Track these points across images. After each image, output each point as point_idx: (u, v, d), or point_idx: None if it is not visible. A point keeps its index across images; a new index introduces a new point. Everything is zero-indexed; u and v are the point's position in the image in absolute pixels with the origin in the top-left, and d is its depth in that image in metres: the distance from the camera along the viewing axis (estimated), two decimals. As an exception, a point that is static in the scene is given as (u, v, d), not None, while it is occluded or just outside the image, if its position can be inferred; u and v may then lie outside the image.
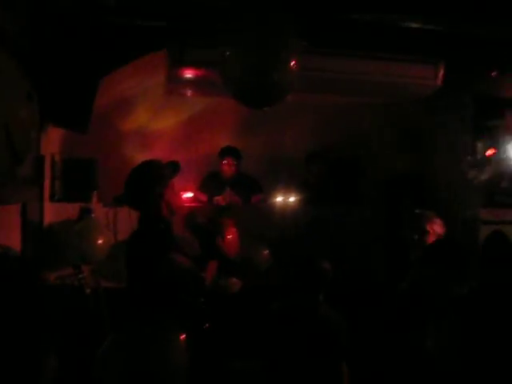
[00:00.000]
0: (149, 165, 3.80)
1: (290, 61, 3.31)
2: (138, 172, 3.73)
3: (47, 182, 4.99)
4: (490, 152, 6.42)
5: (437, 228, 4.24)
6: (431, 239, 4.16)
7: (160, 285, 3.37)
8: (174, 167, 3.86)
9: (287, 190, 5.91)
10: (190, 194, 5.70)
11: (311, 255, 4.10)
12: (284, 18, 3.48)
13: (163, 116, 6.29)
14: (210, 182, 6.18)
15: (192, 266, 3.69)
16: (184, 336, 2.88)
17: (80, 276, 4.77)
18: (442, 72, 5.11)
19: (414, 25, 4.26)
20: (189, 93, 5.49)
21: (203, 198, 6.03)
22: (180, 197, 5.02)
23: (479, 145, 6.21)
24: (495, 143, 6.31)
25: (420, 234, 4.21)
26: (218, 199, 6.00)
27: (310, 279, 3.90)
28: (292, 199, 5.84)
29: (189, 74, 4.79)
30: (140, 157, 5.24)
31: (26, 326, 1.86)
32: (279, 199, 5.82)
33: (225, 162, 6.11)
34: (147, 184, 3.62)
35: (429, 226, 4.22)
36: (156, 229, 3.64)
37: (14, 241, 4.23)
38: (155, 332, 2.80)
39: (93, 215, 4.98)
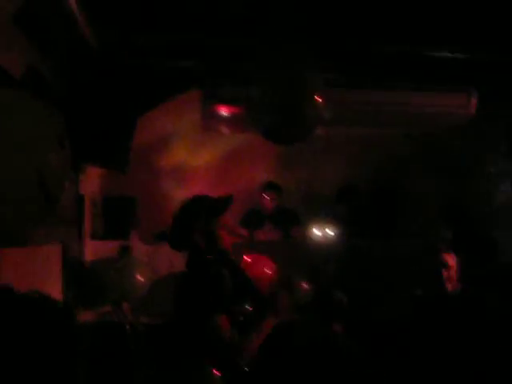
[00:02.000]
0: (199, 199, 3.41)
1: (314, 95, 3.34)
2: (188, 207, 3.33)
3: (88, 221, 5.08)
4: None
5: (451, 261, 4.11)
6: (453, 275, 4.06)
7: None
8: (226, 201, 3.38)
9: (324, 223, 5.90)
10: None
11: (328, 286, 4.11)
12: (309, 52, 3.53)
13: (200, 152, 6.38)
14: (249, 217, 6.25)
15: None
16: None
17: (120, 313, 4.80)
18: (474, 100, 5.09)
19: (444, 54, 4.26)
20: (224, 129, 5.56)
21: (244, 233, 6.10)
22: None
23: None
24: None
25: (442, 267, 4.11)
26: (259, 233, 6.07)
27: (323, 309, 3.91)
28: (330, 232, 5.82)
29: (223, 110, 4.89)
30: (178, 194, 5.33)
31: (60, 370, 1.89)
32: (317, 232, 5.81)
33: (267, 196, 6.18)
34: (197, 220, 3.24)
35: (449, 260, 4.10)
36: (206, 274, 3.18)
37: (56, 280, 4.31)
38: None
39: (133, 253, 5.04)
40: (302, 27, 3.75)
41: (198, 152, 6.35)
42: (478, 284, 4.18)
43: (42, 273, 4.03)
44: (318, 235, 5.89)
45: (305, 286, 5.26)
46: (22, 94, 2.20)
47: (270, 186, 6.28)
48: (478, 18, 3.93)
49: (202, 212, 3.25)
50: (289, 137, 3.52)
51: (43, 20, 3.29)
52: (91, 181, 5.13)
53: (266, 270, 4.85)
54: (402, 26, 4.01)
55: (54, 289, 4.34)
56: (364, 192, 6.49)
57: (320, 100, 3.38)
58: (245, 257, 4.77)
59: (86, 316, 4.55)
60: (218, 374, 2.87)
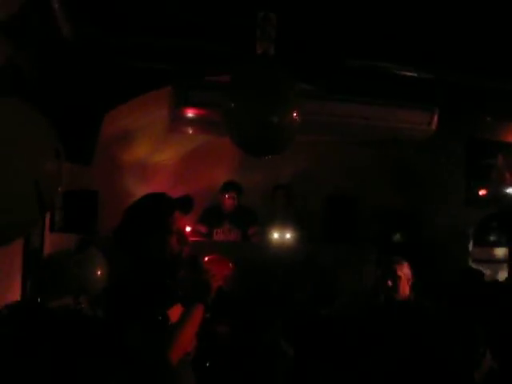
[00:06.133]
0: (156, 198, 2.94)
1: (291, 109, 3.43)
2: (143, 205, 2.85)
3: (48, 214, 5.07)
4: (482, 192, 6.57)
5: (406, 272, 4.17)
6: (403, 284, 4.13)
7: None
8: (187, 203, 2.94)
9: (283, 225, 6.04)
10: (188, 229, 5.80)
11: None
12: (283, 65, 3.62)
13: (164, 150, 6.42)
14: (209, 215, 6.35)
15: None
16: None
17: (79, 306, 4.82)
18: (436, 118, 5.25)
19: (408, 73, 4.43)
20: (191, 131, 5.62)
21: (203, 229, 6.19)
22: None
23: (472, 185, 6.37)
24: (487, 184, 6.47)
25: (393, 279, 4.13)
26: (218, 231, 6.18)
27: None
28: (287, 236, 5.96)
29: (192, 113, 4.93)
30: (140, 189, 5.37)
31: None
32: (275, 236, 5.95)
33: (227, 195, 6.27)
34: (153, 220, 2.75)
35: (399, 270, 4.13)
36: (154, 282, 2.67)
37: (16, 271, 4.32)
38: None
39: (93, 246, 5.05)
40: (276, 37, 3.85)
41: (162, 149, 6.39)
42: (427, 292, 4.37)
43: (3, 264, 4.03)
44: (275, 237, 6.02)
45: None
46: (20, 104, 2.24)
47: (230, 185, 6.37)
48: (442, 39, 4.11)
49: (158, 210, 2.80)
50: (264, 150, 3.60)
51: (22, 15, 3.31)
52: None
53: (224, 269, 4.98)
54: (369, 42, 4.16)
55: (15, 280, 4.36)
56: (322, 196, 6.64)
57: (295, 113, 3.46)
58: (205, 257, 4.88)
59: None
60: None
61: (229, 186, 6.35)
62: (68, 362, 1.92)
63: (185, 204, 2.88)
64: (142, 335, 2.40)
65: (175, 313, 2.60)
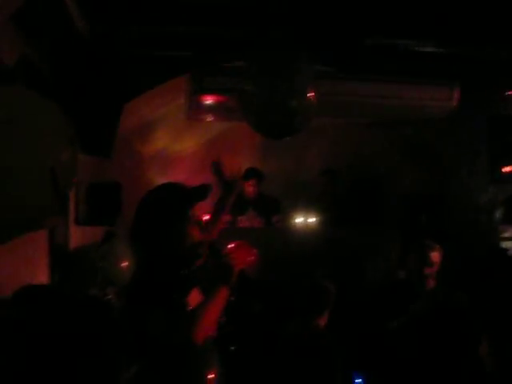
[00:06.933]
0: (171, 188, 2.83)
1: (307, 90, 3.40)
2: (158, 198, 2.75)
3: (72, 207, 5.11)
4: (507, 169, 6.48)
5: (438, 257, 4.06)
6: (435, 270, 4.03)
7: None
8: (204, 191, 2.77)
9: (305, 210, 6.00)
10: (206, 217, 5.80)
11: (315, 276, 4.13)
12: (300, 46, 3.59)
13: (183, 139, 6.43)
14: (233, 203, 6.33)
15: None
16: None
17: (106, 298, 4.86)
18: (457, 94, 5.17)
19: (428, 49, 4.36)
20: (209, 118, 5.60)
21: (227, 218, 6.19)
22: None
23: (496, 162, 6.29)
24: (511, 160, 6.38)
25: (430, 266, 4.04)
26: (242, 219, 6.17)
27: (312, 300, 3.92)
28: (311, 220, 5.93)
29: (209, 100, 4.92)
30: (162, 179, 5.37)
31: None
32: (299, 220, 5.92)
33: (249, 183, 6.26)
34: (170, 212, 2.67)
35: (434, 256, 4.03)
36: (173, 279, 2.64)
37: (43, 265, 4.36)
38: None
39: (117, 238, 5.08)
40: (291, 19, 3.82)
41: (181, 139, 6.40)
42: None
43: (30, 258, 4.08)
44: (299, 223, 6.00)
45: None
46: (35, 94, 2.25)
47: (252, 173, 6.35)
48: (461, 13, 4.03)
49: (175, 201, 2.71)
50: (280, 131, 3.58)
51: (35, 10, 3.33)
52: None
53: (248, 255, 4.97)
54: (388, 19, 4.10)
55: (41, 274, 4.40)
56: (345, 180, 6.61)
57: (312, 94, 3.43)
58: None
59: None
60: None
61: (250, 174, 6.33)
62: (82, 349, 1.92)
63: (201, 192, 2.77)
64: (164, 320, 2.41)
65: (193, 300, 2.61)
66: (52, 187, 1.99)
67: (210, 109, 5.12)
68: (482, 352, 3.75)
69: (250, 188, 6.29)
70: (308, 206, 6.14)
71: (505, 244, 6.10)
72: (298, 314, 4.00)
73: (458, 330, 3.77)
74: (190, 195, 2.76)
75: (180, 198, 2.74)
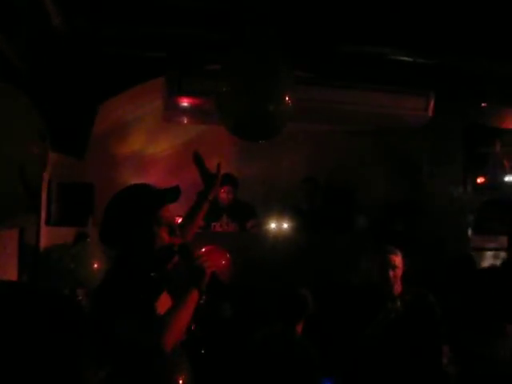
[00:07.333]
0: (140, 189, 2.76)
1: (284, 93, 3.40)
2: (128, 198, 2.68)
3: (44, 207, 5.05)
4: (480, 179, 6.57)
5: (400, 261, 4.11)
6: (399, 274, 4.07)
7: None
8: (175, 192, 2.69)
9: (281, 216, 5.99)
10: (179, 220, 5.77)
11: (292, 283, 4.14)
12: (277, 50, 3.59)
13: (159, 141, 6.40)
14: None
15: None
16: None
17: (76, 299, 4.80)
18: (432, 103, 5.18)
19: (403, 58, 4.39)
20: (185, 120, 5.56)
21: (200, 223, 6.15)
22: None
23: (470, 172, 6.36)
24: (485, 171, 6.46)
25: (393, 270, 4.07)
26: (216, 225, 6.13)
27: (289, 307, 3.96)
28: (285, 225, 5.92)
29: (186, 102, 4.87)
30: (136, 181, 5.31)
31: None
32: (273, 226, 5.90)
33: (222, 190, 6.19)
34: (137, 212, 2.60)
35: (395, 259, 4.07)
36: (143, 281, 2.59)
37: (12, 264, 4.29)
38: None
39: (89, 239, 5.02)
40: (268, 22, 3.82)
41: (156, 141, 6.37)
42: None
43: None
44: (273, 228, 5.98)
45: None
46: (7, 86, 2.20)
47: (226, 179, 6.29)
48: (437, 23, 4.07)
49: (143, 200, 2.66)
50: (256, 134, 3.57)
51: (11, 5, 3.28)
52: (48, 166, 5.08)
53: (220, 259, 4.96)
54: (362, 27, 4.12)
55: (10, 274, 4.33)
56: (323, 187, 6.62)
57: (289, 98, 3.43)
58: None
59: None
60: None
61: (224, 180, 6.26)
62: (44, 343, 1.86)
63: (172, 194, 2.69)
64: (132, 324, 2.36)
65: (162, 304, 2.57)
66: (21, 183, 1.95)
67: (187, 111, 5.07)
68: (445, 361, 3.82)
69: (224, 195, 6.22)
70: (283, 212, 6.12)
71: (475, 254, 6.15)
72: (274, 320, 4.00)
73: (426, 331, 3.84)
74: (160, 196, 2.69)
75: (149, 197, 2.67)
